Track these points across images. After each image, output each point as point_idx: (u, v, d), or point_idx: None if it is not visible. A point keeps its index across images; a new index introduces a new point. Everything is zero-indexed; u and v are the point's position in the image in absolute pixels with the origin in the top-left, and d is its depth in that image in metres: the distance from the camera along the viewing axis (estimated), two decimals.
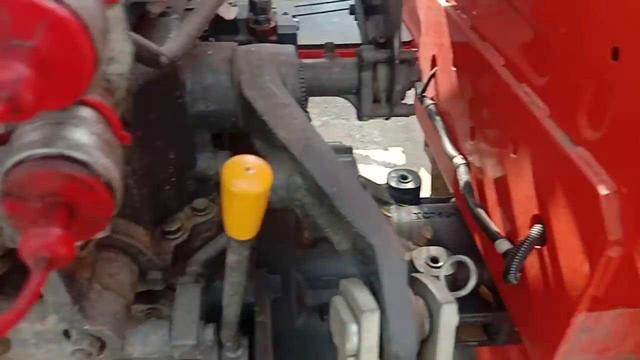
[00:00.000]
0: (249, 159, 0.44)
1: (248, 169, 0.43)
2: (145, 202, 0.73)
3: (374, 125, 3.93)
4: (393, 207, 1.20)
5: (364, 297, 0.55)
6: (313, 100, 0.87)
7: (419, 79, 0.91)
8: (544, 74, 0.75)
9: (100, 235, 0.37)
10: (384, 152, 3.65)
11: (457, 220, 1.16)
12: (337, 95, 0.93)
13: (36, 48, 0.24)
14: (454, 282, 0.92)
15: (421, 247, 1.09)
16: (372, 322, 0.53)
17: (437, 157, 1.28)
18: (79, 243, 0.37)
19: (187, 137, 0.80)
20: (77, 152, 0.28)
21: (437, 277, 0.87)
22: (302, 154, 0.65)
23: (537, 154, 0.74)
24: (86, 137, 0.29)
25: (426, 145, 2.17)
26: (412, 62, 0.85)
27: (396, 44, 0.82)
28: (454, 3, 1.11)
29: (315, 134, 0.67)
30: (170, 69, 0.65)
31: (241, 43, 0.82)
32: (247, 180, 0.43)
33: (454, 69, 1.07)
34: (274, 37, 1.20)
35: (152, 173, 0.74)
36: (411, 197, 1.26)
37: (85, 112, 0.31)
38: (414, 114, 0.92)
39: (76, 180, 0.27)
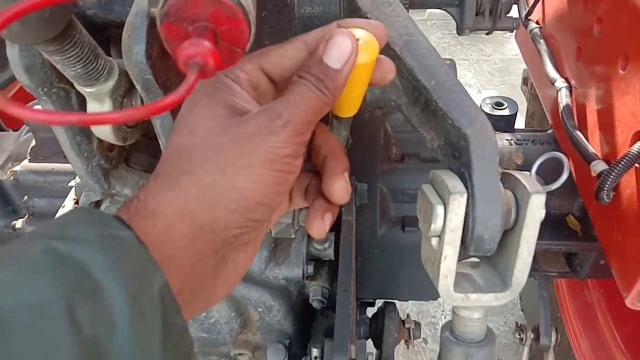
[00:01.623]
0: (358, 31, 0.46)
1: (357, 40, 0.45)
2: None
3: (469, 67, 3.79)
4: None
5: (453, 181, 0.57)
6: None
7: None
8: None
9: None
10: (478, 95, 3.52)
11: (550, 148, 1.13)
12: (439, 7, 0.92)
13: None
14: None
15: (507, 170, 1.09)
16: (459, 203, 0.55)
17: (537, 83, 1.24)
18: None
19: None
20: None
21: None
22: (402, 49, 0.66)
23: None
24: None
25: (523, 83, 2.09)
26: None
27: None
28: None
29: (418, 31, 0.68)
30: None
31: None
32: None
33: None
34: None
35: None
36: (504, 124, 1.24)
37: None
38: (517, 28, 0.89)
39: (224, 5, 0.32)
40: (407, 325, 1.17)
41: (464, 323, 0.64)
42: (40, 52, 0.50)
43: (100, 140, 0.66)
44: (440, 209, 0.56)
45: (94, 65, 0.53)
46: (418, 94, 0.66)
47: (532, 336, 1.14)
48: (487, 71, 3.67)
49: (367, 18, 0.72)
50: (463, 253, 0.58)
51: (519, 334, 1.16)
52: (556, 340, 1.12)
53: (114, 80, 0.57)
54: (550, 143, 1.14)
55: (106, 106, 0.58)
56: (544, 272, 1.17)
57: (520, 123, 2.24)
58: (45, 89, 0.56)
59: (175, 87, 0.39)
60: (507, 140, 1.16)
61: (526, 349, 1.14)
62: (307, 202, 0.49)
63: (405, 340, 1.20)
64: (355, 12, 0.74)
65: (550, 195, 1.00)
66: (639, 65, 0.75)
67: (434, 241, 0.58)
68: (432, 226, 0.56)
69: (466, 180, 0.56)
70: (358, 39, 0.45)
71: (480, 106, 1.24)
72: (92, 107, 0.58)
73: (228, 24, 0.32)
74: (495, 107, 1.24)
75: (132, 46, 0.51)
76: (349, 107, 0.53)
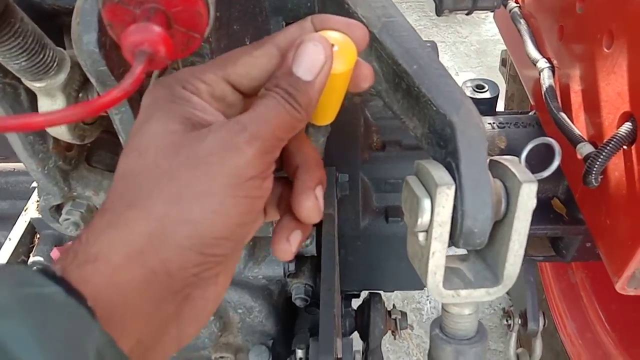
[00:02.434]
0: (334, 35, 0.40)
1: (332, 45, 0.39)
2: None
3: (445, 50, 3.77)
4: None
5: (439, 173, 0.54)
6: None
7: None
8: None
9: None
10: (456, 77, 3.50)
11: (534, 131, 1.10)
12: None
13: None
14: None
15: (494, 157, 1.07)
16: (446, 196, 0.52)
17: (518, 64, 1.21)
18: None
19: (263, 24, 0.80)
20: None
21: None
22: (381, 31, 0.62)
23: (637, 42, 0.68)
24: None
25: (502, 65, 2.06)
26: None
27: None
28: None
29: (397, 12, 0.64)
30: None
31: None
32: None
33: None
34: None
35: None
36: (486, 107, 1.21)
37: None
38: (498, 8, 0.85)
39: None
40: (393, 316, 1.15)
41: (454, 320, 0.61)
42: None
43: (56, 140, 0.60)
44: (427, 203, 0.52)
45: (40, 57, 0.47)
46: (399, 80, 0.62)
47: (519, 322, 1.12)
48: (464, 53, 3.65)
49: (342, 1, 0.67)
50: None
51: (507, 320, 1.15)
52: (544, 325, 1.10)
53: (66, 73, 0.51)
54: (533, 125, 1.12)
55: (59, 102, 0.53)
56: (530, 257, 1.15)
57: (499, 105, 2.24)
58: None
59: None
60: (490, 124, 1.13)
61: (514, 335, 1.13)
62: (280, 214, 0.43)
63: (392, 331, 1.17)
64: None
65: None
66: (624, 43, 0.72)
67: (421, 236, 0.55)
68: (419, 221, 0.53)
69: (453, 171, 0.53)
70: (333, 45, 0.39)
71: None
72: (44, 103, 0.53)
73: (181, 5, 0.28)
74: (476, 89, 1.21)
75: (82, 35, 0.46)
76: (326, 116, 0.48)
